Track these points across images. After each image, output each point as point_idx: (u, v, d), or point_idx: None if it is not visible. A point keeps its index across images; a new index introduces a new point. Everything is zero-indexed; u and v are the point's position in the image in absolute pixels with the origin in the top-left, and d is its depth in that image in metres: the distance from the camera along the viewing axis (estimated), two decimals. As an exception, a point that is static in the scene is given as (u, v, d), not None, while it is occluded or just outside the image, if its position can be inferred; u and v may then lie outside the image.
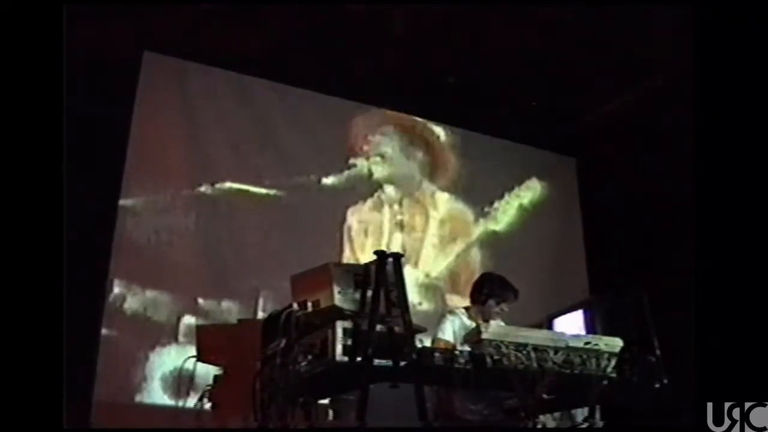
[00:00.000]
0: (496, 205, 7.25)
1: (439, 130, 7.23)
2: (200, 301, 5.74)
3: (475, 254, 7.01)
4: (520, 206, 7.37)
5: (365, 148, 6.83)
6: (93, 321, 5.30)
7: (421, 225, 6.86)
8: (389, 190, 6.84)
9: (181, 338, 5.56)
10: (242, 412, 3.25)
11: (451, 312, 4.18)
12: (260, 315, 5.49)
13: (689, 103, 2.45)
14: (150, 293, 5.61)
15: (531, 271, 6.69)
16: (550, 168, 7.66)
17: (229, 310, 5.73)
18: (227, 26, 5.87)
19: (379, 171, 6.85)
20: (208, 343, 4.13)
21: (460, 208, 7.10)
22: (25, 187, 2.12)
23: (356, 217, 6.56)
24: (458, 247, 6.96)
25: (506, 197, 7.32)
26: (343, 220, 6.52)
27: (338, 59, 6.24)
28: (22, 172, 2.12)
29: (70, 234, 2.20)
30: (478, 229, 7.12)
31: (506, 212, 7.29)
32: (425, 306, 6.47)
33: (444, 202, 7.03)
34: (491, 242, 7.11)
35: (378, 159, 6.87)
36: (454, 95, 6.67)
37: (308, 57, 6.19)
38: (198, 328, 4.56)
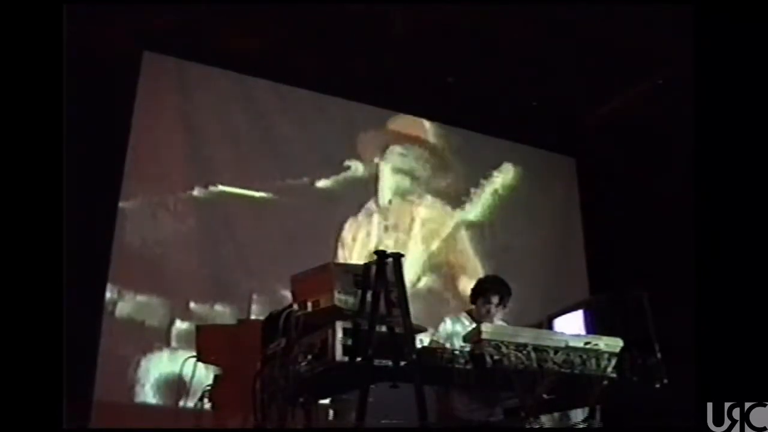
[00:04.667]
0: (495, 206, 7.24)
1: (446, 136, 7.21)
2: (193, 304, 5.71)
3: (474, 258, 7.00)
4: (521, 210, 7.35)
5: (375, 159, 6.83)
6: (93, 322, 5.29)
7: (405, 228, 6.83)
8: (382, 199, 6.82)
9: (174, 342, 5.55)
10: (242, 413, 3.26)
11: (452, 316, 4.19)
12: (253, 318, 5.48)
13: (689, 103, 2.45)
14: (147, 296, 5.59)
15: (531, 271, 6.70)
16: (550, 168, 7.65)
17: (222, 313, 5.71)
18: (227, 26, 5.87)
19: (385, 183, 6.83)
20: (208, 344, 4.13)
21: (452, 211, 7.06)
22: (24, 188, 2.12)
23: (350, 229, 6.53)
24: (440, 238, 6.94)
25: (508, 201, 7.31)
26: (339, 225, 6.49)
27: (338, 59, 6.24)
28: (22, 173, 2.12)
29: (70, 234, 2.20)
30: (475, 231, 7.10)
31: (507, 216, 7.27)
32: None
33: (434, 207, 7.00)
34: (491, 245, 7.09)
35: (388, 172, 6.85)
36: (453, 95, 6.67)
37: (308, 57, 6.19)
38: (198, 328, 4.55)
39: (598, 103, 6.98)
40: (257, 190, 6.26)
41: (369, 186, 6.77)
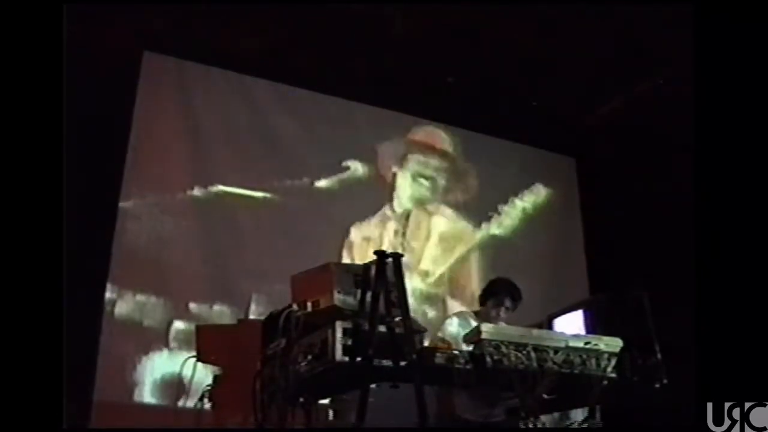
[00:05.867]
0: (497, 209, 7.22)
1: (457, 143, 7.21)
2: (193, 304, 5.70)
3: (475, 258, 6.99)
4: (523, 210, 7.34)
5: (394, 168, 6.84)
6: (92, 322, 5.29)
7: (422, 237, 6.82)
8: (398, 206, 6.81)
9: (174, 342, 5.55)
10: (242, 412, 3.26)
11: (458, 314, 4.19)
12: (253, 318, 5.47)
13: (689, 103, 2.45)
14: (147, 296, 5.58)
15: (531, 271, 6.68)
16: (550, 168, 7.65)
17: (222, 313, 5.69)
18: (227, 26, 5.87)
19: (402, 190, 6.84)
20: (207, 344, 4.13)
21: (463, 219, 7.06)
22: (24, 188, 2.12)
23: (360, 232, 6.52)
24: (457, 253, 6.93)
25: (508, 201, 7.29)
26: (341, 225, 6.47)
27: (338, 59, 6.24)
28: (22, 173, 2.12)
29: (70, 234, 2.20)
30: (478, 235, 7.08)
31: (508, 216, 7.25)
32: (427, 312, 6.44)
33: (447, 217, 6.99)
34: (492, 245, 7.09)
35: (407, 179, 6.86)
36: (454, 95, 6.66)
37: (308, 57, 6.19)
38: (198, 328, 4.55)
39: (598, 103, 6.98)
40: (257, 190, 6.25)
41: (369, 186, 6.74)
